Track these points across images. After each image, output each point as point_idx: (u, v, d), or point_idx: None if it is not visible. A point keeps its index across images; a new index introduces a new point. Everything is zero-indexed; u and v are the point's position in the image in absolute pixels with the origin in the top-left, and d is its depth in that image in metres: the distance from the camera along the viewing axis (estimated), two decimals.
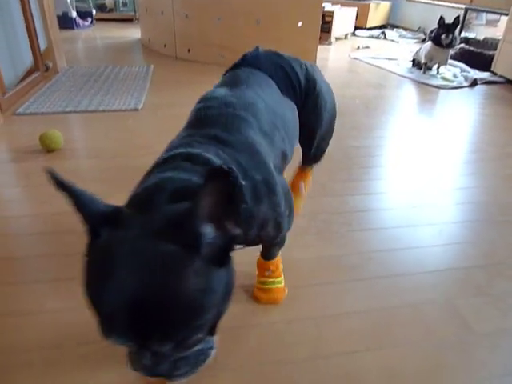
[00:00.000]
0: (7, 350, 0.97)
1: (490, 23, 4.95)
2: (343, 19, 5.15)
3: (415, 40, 5.43)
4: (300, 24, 3.48)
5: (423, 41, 5.02)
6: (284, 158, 0.94)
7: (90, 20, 5.68)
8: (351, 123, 2.45)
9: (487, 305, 1.14)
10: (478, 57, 3.83)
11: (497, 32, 4.54)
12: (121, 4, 6.16)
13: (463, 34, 4.58)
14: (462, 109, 2.93)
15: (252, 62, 1.08)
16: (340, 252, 1.34)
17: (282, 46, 3.86)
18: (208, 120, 0.81)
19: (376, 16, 6.04)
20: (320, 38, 3.65)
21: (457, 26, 3.34)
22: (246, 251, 0.82)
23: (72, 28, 5.31)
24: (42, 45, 3.10)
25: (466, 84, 3.41)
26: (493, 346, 1.02)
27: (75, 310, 1.04)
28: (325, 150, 1.35)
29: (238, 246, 0.64)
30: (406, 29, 6.07)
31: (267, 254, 1.07)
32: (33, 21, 2.87)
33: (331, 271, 1.25)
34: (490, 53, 3.74)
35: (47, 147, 1.92)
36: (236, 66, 1.10)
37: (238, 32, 3.53)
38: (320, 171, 1.60)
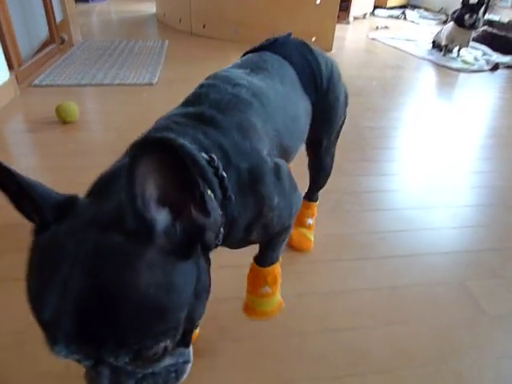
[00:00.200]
0: None
1: None
2: None
3: (436, 21, 5.27)
4: (318, 1, 3.40)
5: (444, 22, 4.87)
6: (284, 152, 0.81)
7: None
8: (367, 104, 2.41)
9: (500, 287, 1.14)
10: (502, 40, 3.72)
11: None
12: None
13: (487, 16, 4.43)
14: (481, 93, 2.86)
15: (281, 49, 0.97)
16: (351, 231, 1.33)
17: (299, 24, 3.78)
18: (204, 98, 0.72)
19: None
20: (338, 16, 3.57)
21: (481, 6, 3.23)
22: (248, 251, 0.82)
23: (87, 1, 5.27)
24: (58, 17, 3.09)
25: (486, 68, 3.32)
26: (505, 327, 1.02)
27: None
28: (330, 169, 1.17)
29: (218, 247, 0.58)
30: (427, 9, 5.89)
31: (262, 257, 0.85)
32: None
33: (342, 249, 1.25)
34: None
35: (63, 119, 1.93)
36: (262, 49, 0.98)
37: (255, 8, 3.46)
38: None
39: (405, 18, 5.44)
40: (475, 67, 3.30)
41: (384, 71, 3.14)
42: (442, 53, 3.55)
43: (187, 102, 0.75)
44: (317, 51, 1.01)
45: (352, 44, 4.08)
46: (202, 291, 0.48)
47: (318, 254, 1.22)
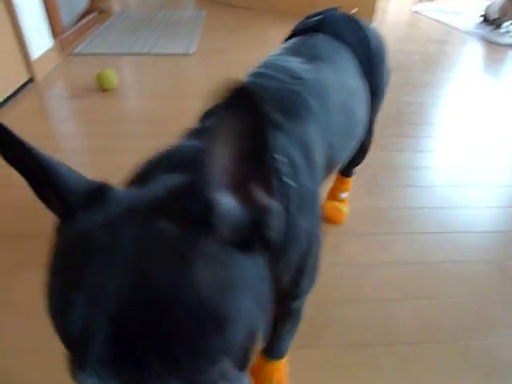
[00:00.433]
0: None
1: None
2: None
3: None
4: None
5: None
6: (330, 169, 0.73)
7: None
8: (407, 79, 2.33)
9: None
10: None
11: None
12: None
13: None
14: None
15: (332, 28, 0.85)
16: (385, 205, 1.32)
17: None
18: (264, 92, 0.64)
19: None
20: None
21: None
22: None
23: None
24: None
25: None
26: None
27: None
28: (369, 146, 1.11)
29: None
30: None
31: (273, 345, 0.75)
32: None
33: (375, 222, 1.24)
34: None
35: (102, 86, 1.98)
36: (311, 29, 0.86)
37: None
38: None
39: None
40: None
41: (427, 46, 3.00)
42: (492, 27, 3.35)
43: None
44: (368, 27, 0.91)
45: (394, 17, 3.91)
46: (263, 298, 0.37)
47: (351, 226, 1.22)
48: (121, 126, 1.75)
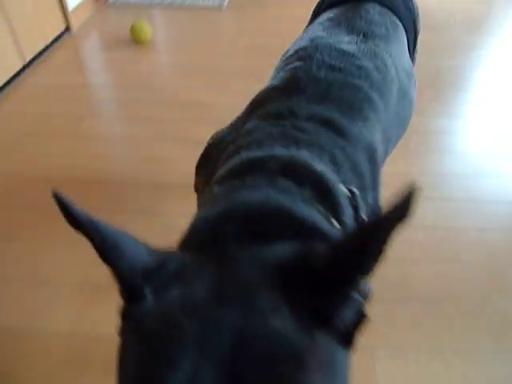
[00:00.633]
0: None
1: None
2: None
3: None
4: None
5: None
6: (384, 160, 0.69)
7: None
8: (446, 40, 2.23)
9: None
10: None
11: None
12: None
13: None
14: None
15: None
16: (414, 170, 1.33)
17: None
18: (318, 87, 0.53)
19: None
20: None
21: None
22: None
23: None
24: None
25: None
26: None
27: None
28: None
29: None
30: None
31: None
32: None
33: (401, 186, 1.25)
34: None
35: (136, 38, 1.98)
36: None
37: None
38: None
39: None
40: None
41: (470, 5, 2.83)
42: None
43: (289, 90, 0.54)
44: None
45: None
46: None
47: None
48: (155, 79, 1.78)
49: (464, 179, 1.30)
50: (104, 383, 0.80)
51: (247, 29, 2.19)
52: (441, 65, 1.98)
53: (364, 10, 0.72)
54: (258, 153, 0.45)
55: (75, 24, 2.13)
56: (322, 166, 0.43)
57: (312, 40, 0.64)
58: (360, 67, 0.58)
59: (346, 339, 0.30)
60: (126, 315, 0.32)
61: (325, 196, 0.41)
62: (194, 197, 0.74)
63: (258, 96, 0.58)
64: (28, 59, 1.78)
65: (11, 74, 1.68)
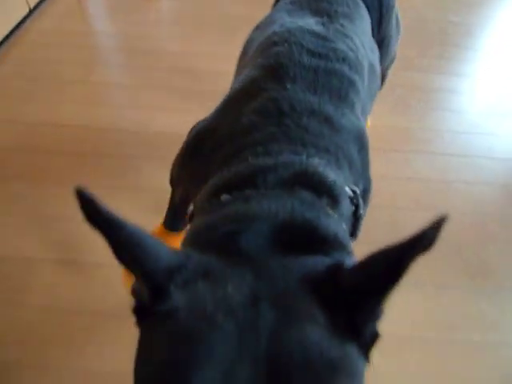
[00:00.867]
0: None
1: None
2: None
3: None
4: None
5: None
6: None
7: None
8: None
9: None
10: None
11: None
12: None
13: None
14: None
15: None
16: (411, 125, 1.38)
17: None
18: (306, 74, 0.53)
19: None
20: None
21: None
22: None
23: None
24: None
25: None
26: None
27: None
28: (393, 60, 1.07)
29: None
30: None
31: None
32: None
33: (398, 140, 1.32)
34: None
35: None
36: None
37: None
38: (409, 45, 1.54)
39: None
40: None
41: None
42: None
43: (274, 75, 0.53)
44: None
45: None
46: None
47: (372, 142, 1.28)
48: (167, 29, 1.77)
49: (460, 136, 1.36)
50: None
51: None
52: (448, 21, 1.96)
53: None
54: (268, 160, 0.45)
55: None
56: (332, 174, 0.45)
57: (281, 25, 0.63)
58: (335, 50, 0.58)
59: (367, 352, 0.32)
60: (149, 313, 0.31)
61: (337, 203, 0.44)
62: None
63: (244, 85, 0.56)
64: (32, 5, 1.76)
65: (17, 20, 1.67)
